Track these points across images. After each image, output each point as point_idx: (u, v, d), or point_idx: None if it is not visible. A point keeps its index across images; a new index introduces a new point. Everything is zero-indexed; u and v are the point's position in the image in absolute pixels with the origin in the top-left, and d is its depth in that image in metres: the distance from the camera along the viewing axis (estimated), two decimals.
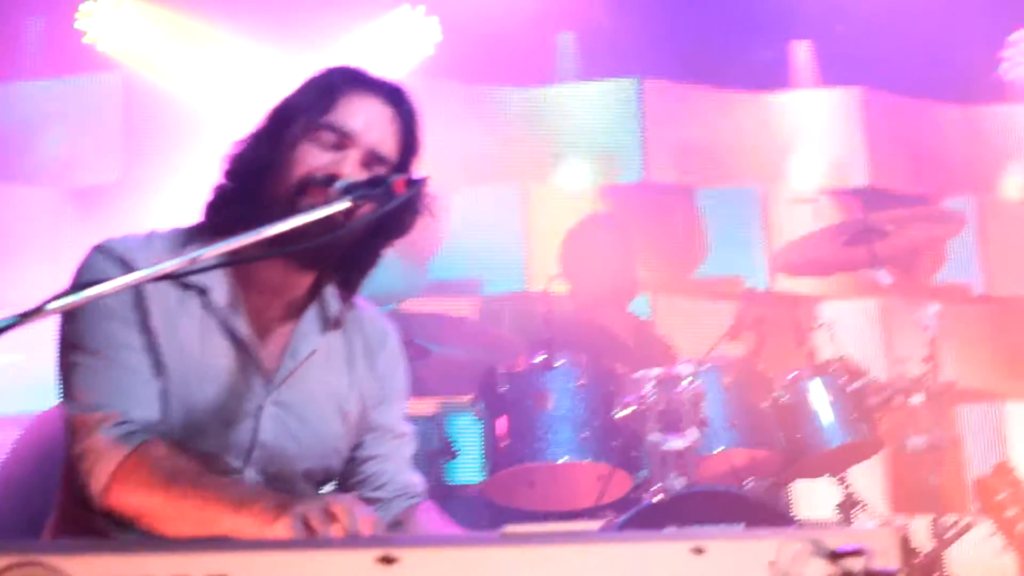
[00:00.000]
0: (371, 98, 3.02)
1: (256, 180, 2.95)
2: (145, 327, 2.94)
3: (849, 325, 6.42)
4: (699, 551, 1.91)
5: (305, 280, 3.08)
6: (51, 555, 1.41)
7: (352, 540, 2.26)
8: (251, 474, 3.00)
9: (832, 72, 8.08)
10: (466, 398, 5.83)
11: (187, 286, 2.98)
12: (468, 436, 6.18)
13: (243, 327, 3.00)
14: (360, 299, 3.26)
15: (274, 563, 1.57)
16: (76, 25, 7.33)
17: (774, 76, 8.09)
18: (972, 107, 8.18)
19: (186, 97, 7.26)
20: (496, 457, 5.26)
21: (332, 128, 2.95)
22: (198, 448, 2.93)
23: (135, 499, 2.81)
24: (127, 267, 2.89)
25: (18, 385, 6.47)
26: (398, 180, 2.72)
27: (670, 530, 4.41)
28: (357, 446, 3.21)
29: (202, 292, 2.99)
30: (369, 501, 3.14)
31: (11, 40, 7.33)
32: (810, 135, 7.98)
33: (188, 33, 7.30)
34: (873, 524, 5.67)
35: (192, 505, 2.74)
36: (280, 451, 3.03)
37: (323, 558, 1.63)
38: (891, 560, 2.01)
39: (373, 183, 2.78)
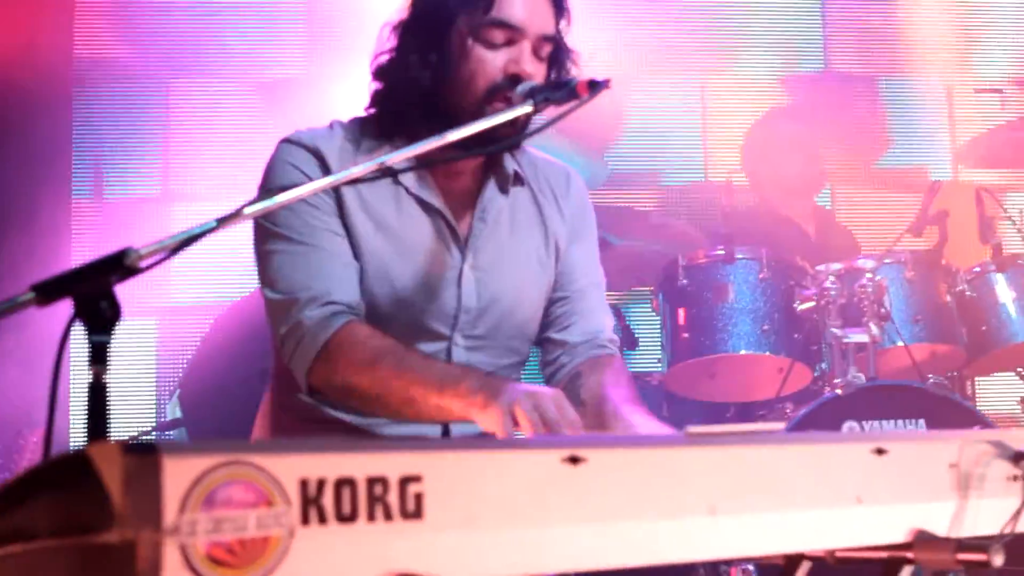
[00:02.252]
0: None
1: (431, 89, 2.92)
2: (341, 210, 2.95)
3: None
4: (881, 452, 1.89)
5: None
6: (256, 455, 1.43)
7: (539, 440, 2.29)
8: (459, 339, 3.02)
9: None
10: (645, 289, 5.87)
11: None
12: (646, 327, 6.24)
13: (434, 198, 3.01)
14: (533, 148, 3.23)
15: (465, 462, 1.57)
16: None
17: None
18: None
19: None
20: (676, 348, 5.31)
21: (500, 24, 2.89)
22: (404, 320, 2.96)
23: (341, 379, 2.83)
24: (316, 155, 2.94)
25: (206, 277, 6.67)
26: (581, 82, 2.66)
27: (850, 431, 4.48)
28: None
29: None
30: (555, 343, 3.14)
31: None
32: (996, 24, 7.74)
33: None
34: None
35: (397, 385, 2.75)
36: (485, 313, 3.04)
37: (510, 457, 1.62)
38: None
39: (555, 86, 2.75)
